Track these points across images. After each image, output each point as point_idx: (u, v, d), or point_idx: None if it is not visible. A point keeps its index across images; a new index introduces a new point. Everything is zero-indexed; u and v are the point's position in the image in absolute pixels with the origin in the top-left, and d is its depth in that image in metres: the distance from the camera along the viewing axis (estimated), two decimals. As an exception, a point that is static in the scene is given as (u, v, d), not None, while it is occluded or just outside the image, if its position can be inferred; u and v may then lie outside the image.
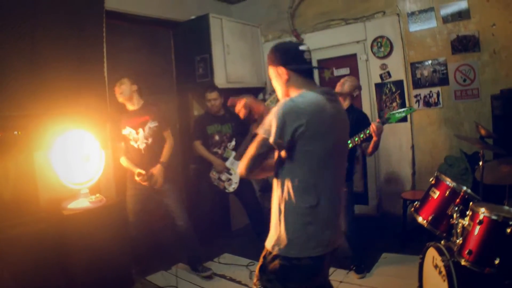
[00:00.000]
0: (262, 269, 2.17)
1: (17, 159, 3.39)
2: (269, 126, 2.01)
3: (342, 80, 4.16)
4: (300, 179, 2.05)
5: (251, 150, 2.10)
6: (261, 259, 2.19)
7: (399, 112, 3.64)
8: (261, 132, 2.07)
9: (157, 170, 4.21)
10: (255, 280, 2.21)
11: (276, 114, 2.00)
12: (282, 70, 2.19)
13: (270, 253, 2.12)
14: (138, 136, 4.20)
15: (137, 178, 4.09)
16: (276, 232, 2.12)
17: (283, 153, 2.10)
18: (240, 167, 2.17)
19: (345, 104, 4.06)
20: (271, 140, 1.99)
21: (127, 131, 4.18)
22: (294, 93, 2.17)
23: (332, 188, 2.12)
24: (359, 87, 4.19)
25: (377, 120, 3.69)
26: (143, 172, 4.07)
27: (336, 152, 2.12)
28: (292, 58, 2.20)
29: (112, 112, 4.17)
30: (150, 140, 4.24)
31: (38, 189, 3.53)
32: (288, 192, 2.07)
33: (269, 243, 2.15)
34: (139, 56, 5.41)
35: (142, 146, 4.22)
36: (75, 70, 3.70)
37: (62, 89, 3.56)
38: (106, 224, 3.54)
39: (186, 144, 5.55)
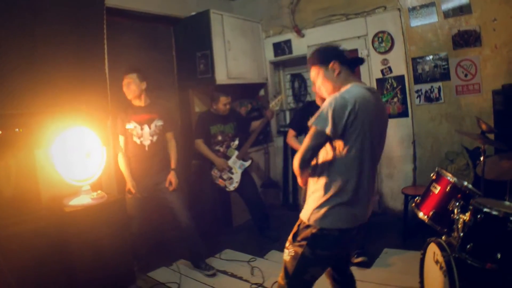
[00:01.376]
0: (295, 236, 2.42)
1: (19, 157, 3.39)
2: (323, 119, 2.21)
3: None
4: (342, 160, 2.27)
5: (306, 141, 2.27)
6: (295, 228, 2.44)
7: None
8: (315, 124, 2.24)
9: (172, 177, 4.32)
10: (287, 244, 2.46)
11: (329, 107, 2.20)
12: (335, 65, 2.42)
13: (304, 223, 2.37)
14: (142, 132, 4.20)
15: (127, 193, 4.18)
16: (312, 205, 2.34)
17: (335, 142, 2.28)
18: (294, 162, 2.33)
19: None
20: (328, 130, 2.19)
21: (132, 125, 4.18)
22: (343, 88, 2.39)
23: (370, 169, 2.35)
24: None
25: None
26: (133, 191, 4.17)
27: (377, 137, 2.37)
28: (338, 55, 2.46)
29: (113, 109, 4.18)
30: (155, 138, 4.26)
31: (39, 186, 3.53)
32: (329, 172, 2.31)
33: (304, 214, 2.39)
34: (140, 53, 5.40)
35: (146, 142, 4.23)
36: (76, 67, 3.70)
37: (63, 86, 3.55)
38: (108, 221, 3.55)
39: (188, 140, 5.55)
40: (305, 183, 2.51)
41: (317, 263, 2.38)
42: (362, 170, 2.29)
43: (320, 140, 2.25)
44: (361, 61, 2.68)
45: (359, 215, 2.37)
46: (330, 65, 2.44)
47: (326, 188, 2.31)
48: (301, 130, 4.51)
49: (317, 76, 2.51)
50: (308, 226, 2.33)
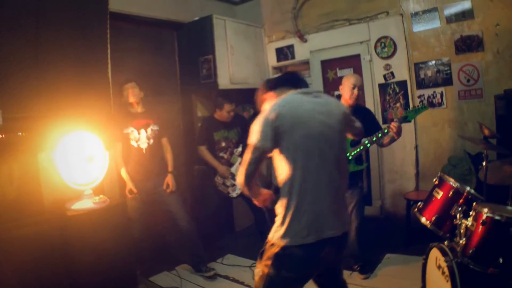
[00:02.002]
0: (261, 255, 2.36)
1: (21, 160, 3.39)
2: (256, 133, 2.26)
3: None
4: (290, 173, 2.24)
5: (246, 157, 2.30)
6: (264, 246, 2.38)
7: (416, 110, 3.82)
8: (250, 140, 2.29)
9: (170, 179, 4.43)
10: (257, 263, 2.41)
11: (258, 121, 2.27)
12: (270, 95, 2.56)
13: (269, 241, 2.32)
14: (139, 136, 4.29)
15: (128, 194, 4.23)
16: (276, 223, 2.32)
17: (271, 154, 2.31)
18: (238, 178, 2.37)
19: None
20: (259, 144, 2.24)
21: (129, 130, 4.26)
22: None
23: (325, 176, 2.28)
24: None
25: (395, 120, 3.76)
26: (135, 190, 4.22)
27: (323, 141, 2.29)
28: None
29: (115, 113, 4.20)
30: (151, 141, 4.36)
31: (42, 190, 3.53)
32: (283, 187, 2.29)
33: (270, 233, 2.34)
34: (143, 57, 5.42)
35: (143, 146, 4.31)
36: (79, 72, 3.71)
37: (66, 90, 3.56)
38: (110, 225, 3.55)
39: (190, 145, 5.56)
40: (262, 201, 2.55)
41: (284, 285, 2.30)
42: (317, 181, 2.25)
43: (256, 154, 2.27)
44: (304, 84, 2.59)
45: (326, 229, 2.25)
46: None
47: (284, 205, 2.27)
48: None
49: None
50: (272, 245, 2.28)
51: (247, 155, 2.29)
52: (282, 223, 2.26)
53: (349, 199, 4.09)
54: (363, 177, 4.26)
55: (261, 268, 2.32)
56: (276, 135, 2.21)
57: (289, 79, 2.58)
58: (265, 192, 2.58)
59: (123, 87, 4.31)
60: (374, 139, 3.88)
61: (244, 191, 2.42)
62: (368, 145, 3.93)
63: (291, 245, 2.20)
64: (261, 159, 2.29)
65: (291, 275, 2.25)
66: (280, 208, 2.30)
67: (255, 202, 2.56)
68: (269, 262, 2.25)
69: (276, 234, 2.26)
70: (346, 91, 4.10)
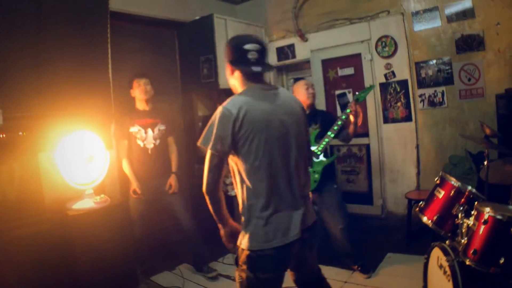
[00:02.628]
0: (236, 261, 2.31)
1: (22, 160, 3.40)
2: (209, 138, 2.15)
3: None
4: (249, 177, 2.19)
5: (206, 166, 2.19)
6: (236, 252, 2.33)
7: (362, 91, 4.00)
8: (203, 144, 2.18)
9: (173, 180, 4.41)
10: (235, 271, 2.35)
11: (212, 124, 2.16)
12: (228, 67, 2.34)
13: (239, 246, 2.27)
14: (145, 136, 4.27)
15: (132, 194, 4.21)
16: (242, 229, 2.27)
17: (229, 157, 2.23)
18: (203, 187, 2.23)
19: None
20: (214, 149, 2.13)
21: (136, 129, 4.24)
22: (238, 91, 2.33)
23: (287, 179, 2.24)
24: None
25: (352, 102, 3.89)
26: (139, 191, 4.20)
27: (283, 140, 2.23)
28: (238, 57, 2.29)
29: (116, 113, 4.20)
30: (158, 141, 4.34)
31: (43, 190, 3.54)
32: (243, 191, 2.23)
33: (239, 238, 2.28)
34: (144, 57, 5.43)
35: (149, 146, 4.29)
36: (80, 71, 3.72)
37: (66, 89, 3.57)
38: (111, 225, 3.55)
39: (191, 144, 5.55)
40: (226, 236, 2.40)
41: (266, 287, 2.26)
42: (278, 184, 2.20)
43: (214, 161, 2.17)
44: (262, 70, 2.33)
45: (290, 231, 2.20)
46: (227, 65, 2.36)
47: (245, 208, 2.23)
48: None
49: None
50: (242, 250, 2.23)
51: (206, 163, 2.19)
52: (247, 227, 2.22)
53: (328, 201, 4.11)
54: (333, 175, 4.31)
55: (240, 273, 2.27)
56: (233, 138, 2.13)
57: (249, 61, 2.26)
58: (234, 226, 2.41)
59: (136, 80, 4.27)
60: (335, 128, 3.96)
61: (207, 201, 2.27)
62: (332, 135, 4.00)
63: (259, 249, 2.17)
64: (220, 166, 2.18)
65: (268, 276, 2.22)
66: (241, 211, 2.26)
67: (220, 232, 2.41)
68: (244, 267, 2.22)
69: (243, 239, 2.22)
70: (302, 94, 4.19)
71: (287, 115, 2.29)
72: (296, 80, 6.92)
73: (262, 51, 2.30)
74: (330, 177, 4.21)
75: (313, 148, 4.06)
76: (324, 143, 4.03)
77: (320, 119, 4.22)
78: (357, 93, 4.01)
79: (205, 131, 2.18)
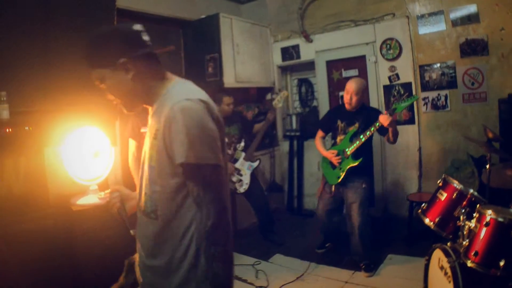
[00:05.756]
0: None
1: (28, 155, 3.41)
2: (214, 148, 1.57)
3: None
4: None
5: (212, 191, 1.56)
6: None
7: (404, 101, 3.93)
8: (205, 161, 1.52)
9: None
10: None
11: (208, 128, 1.57)
12: (125, 61, 1.67)
13: None
14: None
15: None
16: None
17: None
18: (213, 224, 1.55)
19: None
20: (218, 160, 1.57)
21: (147, 129, 4.21)
22: (166, 86, 1.75)
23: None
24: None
25: (385, 112, 3.90)
26: None
27: None
28: (134, 45, 1.74)
29: (121, 110, 4.21)
30: None
31: (48, 185, 3.54)
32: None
33: None
34: (149, 54, 5.44)
35: None
36: (87, 67, 3.74)
37: (73, 85, 3.58)
38: (115, 220, 3.57)
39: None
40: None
41: None
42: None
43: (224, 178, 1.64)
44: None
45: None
46: (119, 64, 1.66)
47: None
48: (328, 131, 4.65)
49: (108, 81, 1.76)
50: None
51: (213, 187, 1.57)
52: None
53: (350, 197, 4.16)
54: (365, 175, 4.31)
55: None
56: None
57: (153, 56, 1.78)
58: None
59: None
60: (368, 133, 4.02)
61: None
62: (363, 139, 4.06)
63: None
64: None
65: None
66: None
67: None
68: None
69: None
70: (344, 95, 4.26)
71: None
72: (300, 80, 6.96)
73: None
74: (359, 175, 4.24)
75: (346, 148, 4.21)
76: (354, 145, 4.13)
77: (362, 118, 4.23)
78: (396, 102, 4.02)
79: (200, 141, 1.52)
